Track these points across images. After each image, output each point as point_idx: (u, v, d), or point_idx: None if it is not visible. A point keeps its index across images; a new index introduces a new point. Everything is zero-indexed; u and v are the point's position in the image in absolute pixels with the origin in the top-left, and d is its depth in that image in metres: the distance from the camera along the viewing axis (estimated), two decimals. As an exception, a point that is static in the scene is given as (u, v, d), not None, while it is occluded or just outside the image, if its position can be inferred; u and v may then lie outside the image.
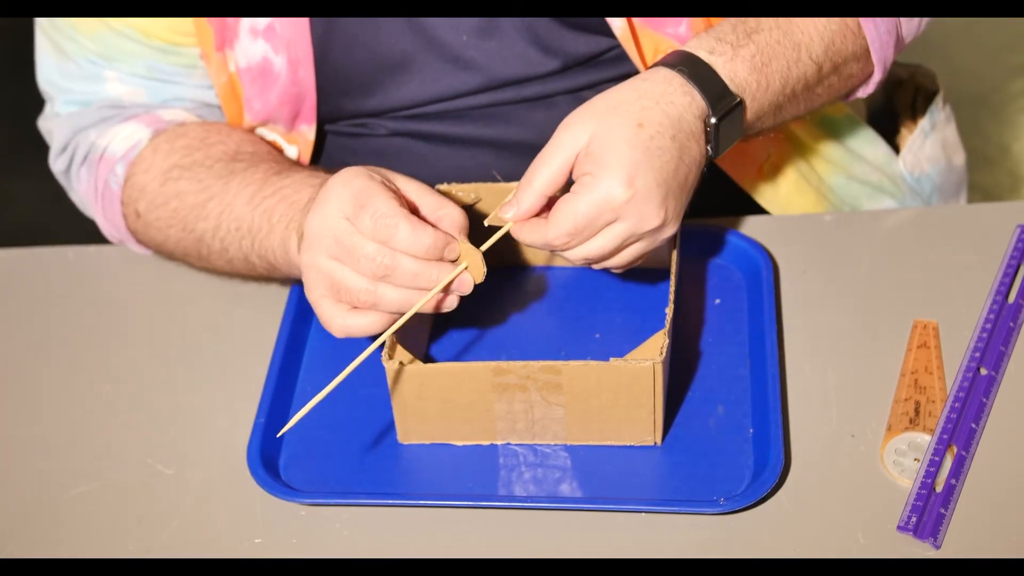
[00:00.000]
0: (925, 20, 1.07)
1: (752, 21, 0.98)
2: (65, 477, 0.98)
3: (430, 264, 0.89)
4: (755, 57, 0.96)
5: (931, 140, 1.25)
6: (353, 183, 0.90)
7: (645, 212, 0.90)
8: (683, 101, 0.93)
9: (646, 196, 0.89)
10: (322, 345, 1.05)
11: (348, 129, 1.16)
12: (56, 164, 1.17)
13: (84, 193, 1.16)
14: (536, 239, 0.91)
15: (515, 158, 1.13)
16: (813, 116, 1.17)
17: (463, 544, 0.91)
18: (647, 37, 1.06)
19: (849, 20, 1.01)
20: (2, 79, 2.66)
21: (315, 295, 0.91)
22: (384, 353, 0.92)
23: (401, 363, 0.91)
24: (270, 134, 1.15)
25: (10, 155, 2.58)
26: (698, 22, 1.05)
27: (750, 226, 1.12)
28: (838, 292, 1.07)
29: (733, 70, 0.95)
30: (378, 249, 0.88)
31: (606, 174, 0.89)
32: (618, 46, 1.08)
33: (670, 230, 0.93)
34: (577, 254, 0.92)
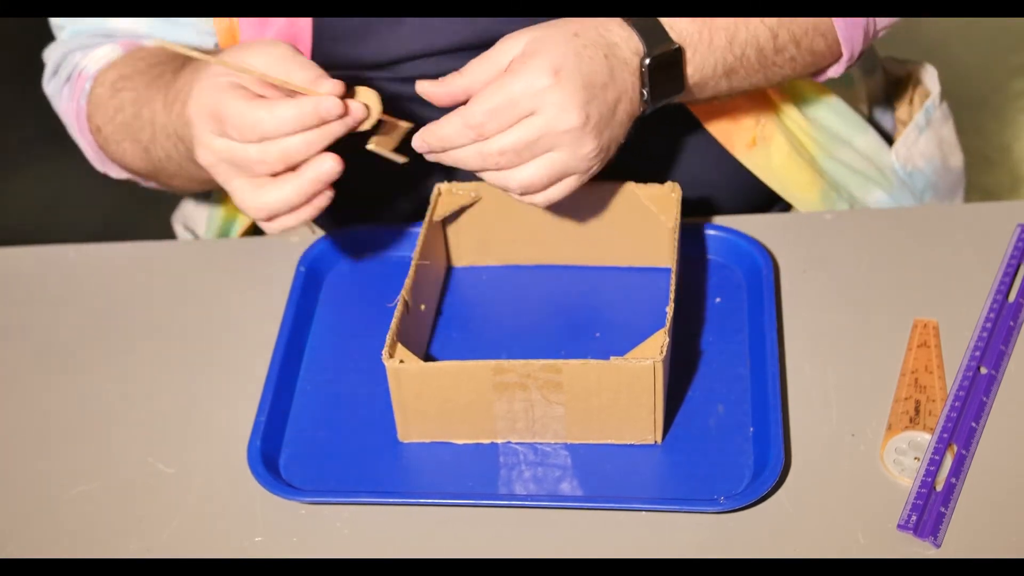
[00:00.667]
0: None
1: None
2: (65, 476, 0.98)
3: (314, 131, 0.88)
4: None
5: (926, 136, 1.25)
6: (202, 102, 0.90)
7: (565, 106, 0.90)
8: (621, 34, 0.94)
9: (569, 91, 0.90)
10: (322, 345, 1.05)
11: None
12: (48, 87, 1.19)
13: (65, 112, 1.17)
14: (453, 121, 0.90)
15: None
16: (798, 98, 1.17)
17: (463, 543, 0.91)
18: None
19: None
20: (2, 79, 2.66)
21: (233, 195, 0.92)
22: (384, 352, 0.92)
23: (401, 361, 0.92)
24: None
25: (11, 155, 2.58)
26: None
27: (750, 225, 1.12)
28: (838, 291, 1.07)
29: (672, 20, 0.96)
30: (260, 149, 0.88)
31: (533, 62, 0.90)
32: None
33: (590, 145, 0.91)
34: (491, 147, 0.91)
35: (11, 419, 1.03)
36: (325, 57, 1.13)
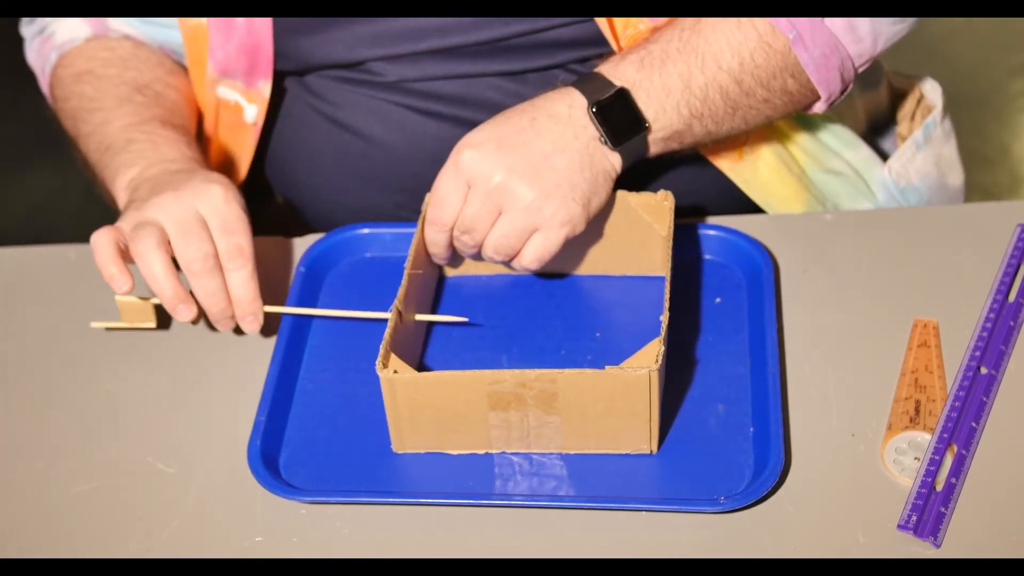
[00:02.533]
0: (880, 42, 1.05)
1: (655, 35, 1.04)
2: (66, 476, 0.98)
3: (226, 299, 1.01)
4: (643, 60, 1.02)
5: (923, 154, 1.24)
6: (234, 203, 1.01)
7: (482, 166, 0.97)
8: (553, 96, 1.01)
9: (483, 154, 0.97)
10: (322, 345, 1.05)
11: (317, 87, 1.19)
12: (24, 29, 1.27)
13: (32, 62, 1.26)
14: (428, 232, 1.02)
15: None
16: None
17: (464, 543, 0.91)
18: (621, 18, 1.08)
19: (772, 39, 1.01)
20: (2, 79, 2.66)
21: (102, 233, 1.00)
22: (378, 362, 0.91)
23: (395, 372, 0.91)
24: (230, 93, 1.18)
25: (11, 155, 2.58)
26: (661, 22, 1.07)
27: (750, 225, 1.12)
28: (838, 291, 1.07)
29: (616, 71, 1.02)
30: (207, 255, 0.99)
31: (456, 148, 0.99)
32: (586, 20, 1.10)
33: (526, 194, 0.97)
34: (456, 231, 1.01)
35: (11, 419, 1.03)
36: (288, 62, 1.15)
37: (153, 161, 1.08)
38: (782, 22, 1.01)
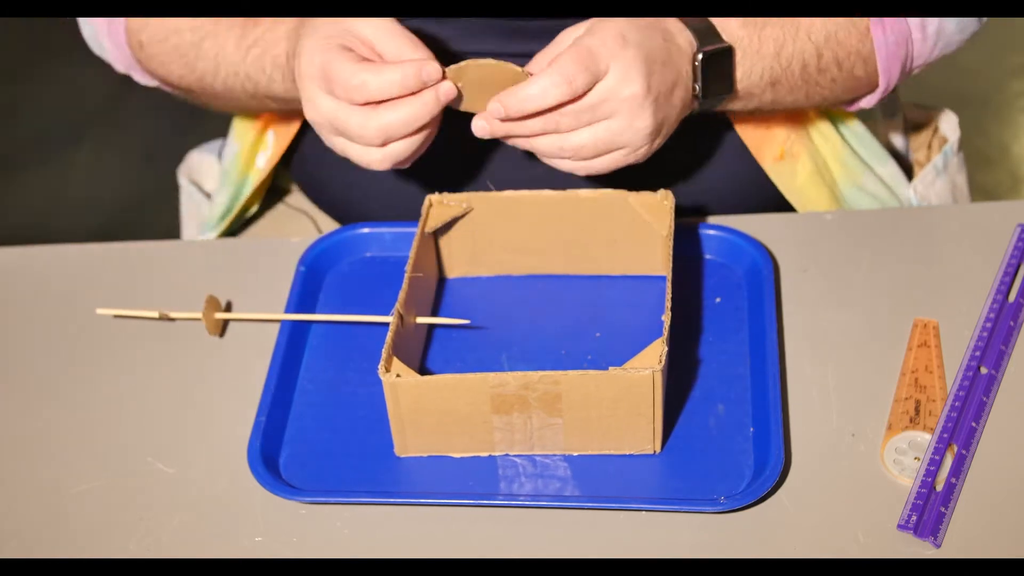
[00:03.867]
0: (938, 47, 1.08)
1: None
2: (66, 476, 0.98)
3: (416, 97, 0.93)
4: (747, 20, 1.00)
5: (942, 180, 1.26)
6: (314, 61, 0.95)
7: (629, 73, 0.92)
8: (675, 27, 0.98)
9: (631, 59, 0.92)
10: (322, 345, 1.05)
11: None
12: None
13: (95, 19, 1.18)
14: (541, 81, 0.92)
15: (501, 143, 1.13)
16: (827, 120, 1.17)
17: (464, 543, 0.91)
18: None
19: (858, 20, 1.02)
20: (2, 79, 2.66)
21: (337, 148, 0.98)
22: (381, 366, 0.91)
23: (398, 376, 0.91)
24: None
25: (11, 155, 2.59)
26: None
27: (750, 225, 1.12)
28: (838, 291, 1.07)
29: (724, 24, 0.99)
30: (361, 122, 0.93)
31: (595, 34, 0.93)
32: None
33: (647, 118, 0.94)
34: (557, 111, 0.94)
35: (12, 419, 1.03)
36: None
37: (283, 61, 1.04)
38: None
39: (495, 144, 1.12)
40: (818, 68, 1.03)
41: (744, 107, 1.05)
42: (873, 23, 1.04)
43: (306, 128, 1.21)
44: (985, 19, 1.10)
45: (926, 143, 1.31)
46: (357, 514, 0.93)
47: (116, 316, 1.08)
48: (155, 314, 1.05)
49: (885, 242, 1.11)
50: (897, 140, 1.31)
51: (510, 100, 0.93)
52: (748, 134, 1.15)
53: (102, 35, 1.19)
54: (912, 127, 1.33)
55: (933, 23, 1.06)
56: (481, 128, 0.96)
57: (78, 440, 1.01)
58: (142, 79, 1.20)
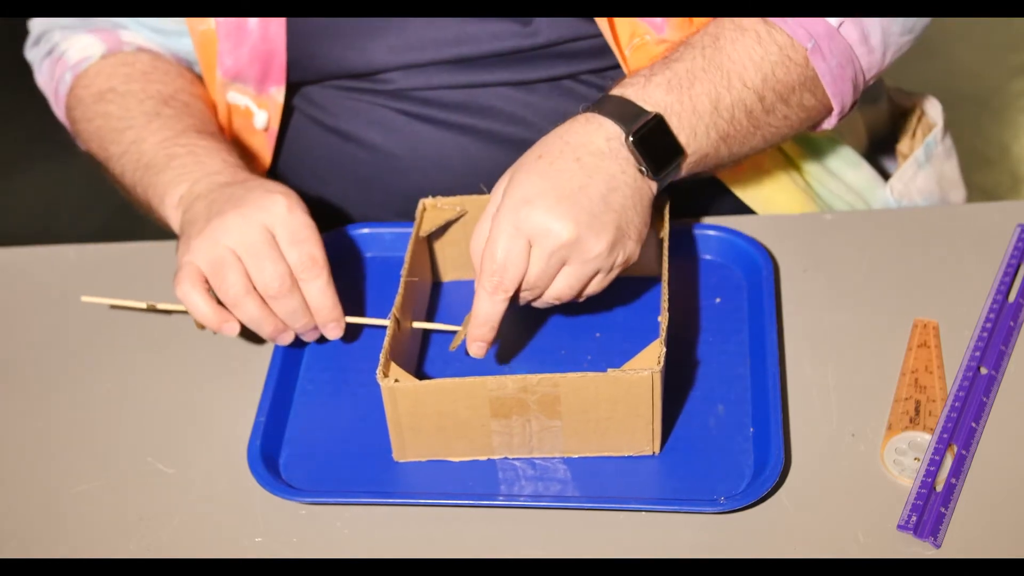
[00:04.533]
0: (889, 54, 1.05)
1: (675, 52, 1.01)
2: (66, 476, 0.98)
3: (307, 314, 0.99)
4: (671, 81, 0.98)
5: (925, 172, 1.24)
6: (299, 212, 0.98)
7: (549, 225, 0.92)
8: (587, 129, 0.96)
9: (544, 210, 0.92)
10: (322, 345, 1.05)
11: (318, 97, 1.18)
12: (29, 53, 1.26)
13: (43, 85, 1.25)
14: (480, 298, 0.95)
15: (494, 146, 1.13)
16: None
17: (463, 544, 0.91)
18: (623, 27, 1.07)
19: (792, 52, 1.01)
20: (2, 79, 2.66)
21: (188, 269, 0.97)
22: (379, 371, 0.91)
23: (396, 380, 0.91)
24: (241, 98, 1.17)
25: (11, 155, 2.58)
26: (675, 20, 1.06)
27: (750, 226, 1.12)
28: (838, 291, 1.07)
29: (645, 95, 0.98)
30: (283, 275, 0.97)
31: (506, 203, 0.94)
32: (597, 35, 1.09)
33: (596, 245, 0.93)
34: (520, 293, 0.95)
35: (12, 419, 1.03)
36: (301, 71, 1.14)
37: (199, 176, 1.05)
38: (800, 32, 1.00)
39: (488, 148, 1.13)
40: (764, 110, 1.01)
41: (707, 166, 1.02)
42: (811, 53, 1.01)
43: (279, 152, 1.23)
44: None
45: (911, 131, 1.30)
46: (357, 515, 0.93)
47: (105, 304, 1.08)
48: (143, 305, 1.05)
49: (885, 242, 1.11)
50: (883, 127, 1.30)
51: (475, 332, 0.96)
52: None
53: (50, 102, 1.25)
54: (898, 112, 1.32)
55: (876, 34, 1.03)
56: (478, 352, 0.98)
57: (78, 440, 1.01)
58: (81, 146, 1.23)
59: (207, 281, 0.98)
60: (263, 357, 1.04)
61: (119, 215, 2.46)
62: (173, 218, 1.05)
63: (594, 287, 0.97)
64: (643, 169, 0.95)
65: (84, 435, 1.01)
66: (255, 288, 0.97)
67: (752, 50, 1.00)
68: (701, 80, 0.99)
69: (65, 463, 0.99)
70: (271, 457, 0.96)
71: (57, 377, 1.06)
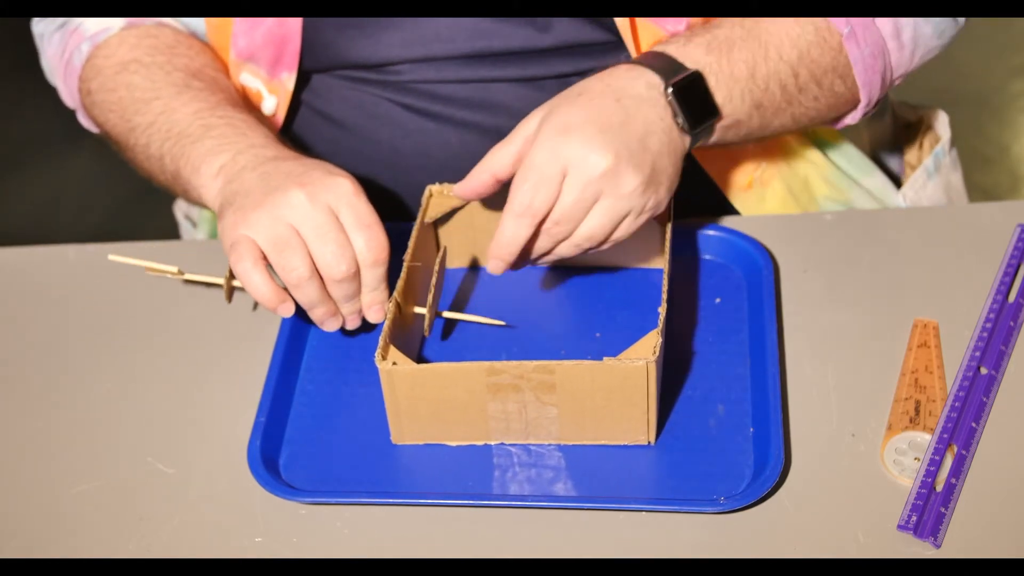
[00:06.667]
0: (918, 55, 1.06)
1: (715, 20, 1.02)
2: (66, 476, 0.98)
3: (359, 299, 0.97)
4: (710, 44, 1.00)
5: (934, 182, 1.25)
6: (364, 196, 0.96)
7: (588, 154, 0.92)
8: (629, 75, 0.97)
9: (585, 139, 0.92)
10: (322, 345, 1.05)
11: (325, 89, 1.17)
12: (36, 26, 1.21)
13: (51, 57, 1.19)
14: (506, 221, 0.94)
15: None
16: (808, 136, 1.17)
17: (463, 543, 0.91)
18: (646, 29, 1.07)
19: (827, 35, 1.01)
20: (2, 79, 2.66)
21: (247, 245, 0.94)
22: (377, 354, 0.92)
23: (394, 364, 0.91)
24: (253, 80, 1.16)
25: (10, 155, 2.58)
26: (697, 21, 1.06)
27: (750, 226, 1.12)
28: (838, 291, 1.07)
29: (686, 53, 0.99)
30: (351, 260, 0.94)
31: (545, 129, 0.93)
32: (615, 39, 1.09)
33: (631, 181, 0.93)
34: (548, 223, 0.94)
35: (12, 419, 1.03)
36: (314, 60, 1.14)
37: (243, 147, 1.01)
38: (837, 19, 1.02)
39: (494, 138, 1.13)
40: (797, 87, 1.02)
41: (736, 135, 1.03)
42: (846, 38, 1.02)
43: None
44: (962, 20, 1.08)
45: (917, 144, 1.30)
46: (357, 514, 0.93)
47: (132, 264, 1.04)
48: (173, 269, 1.01)
49: (885, 242, 1.11)
50: (886, 141, 1.30)
51: (497, 251, 0.95)
52: (715, 168, 1.14)
53: (56, 76, 1.20)
54: (903, 126, 1.32)
55: (908, 30, 1.04)
56: (496, 270, 0.97)
57: (78, 440, 1.01)
58: (85, 122, 1.20)
59: (265, 258, 0.95)
60: (263, 357, 1.04)
61: (119, 215, 2.46)
62: (209, 187, 1.01)
63: (623, 231, 0.96)
64: (680, 121, 0.96)
65: (84, 435, 1.01)
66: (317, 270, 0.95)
67: (790, 27, 1.01)
68: (740, 47, 1.00)
69: (65, 463, 0.99)
70: (271, 457, 0.96)
71: (57, 377, 1.06)
